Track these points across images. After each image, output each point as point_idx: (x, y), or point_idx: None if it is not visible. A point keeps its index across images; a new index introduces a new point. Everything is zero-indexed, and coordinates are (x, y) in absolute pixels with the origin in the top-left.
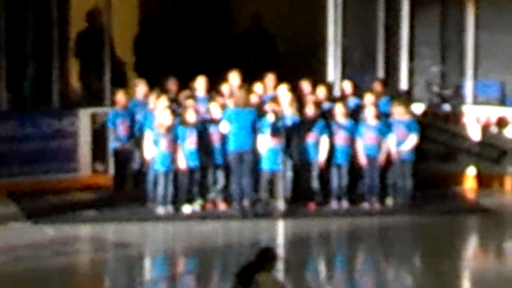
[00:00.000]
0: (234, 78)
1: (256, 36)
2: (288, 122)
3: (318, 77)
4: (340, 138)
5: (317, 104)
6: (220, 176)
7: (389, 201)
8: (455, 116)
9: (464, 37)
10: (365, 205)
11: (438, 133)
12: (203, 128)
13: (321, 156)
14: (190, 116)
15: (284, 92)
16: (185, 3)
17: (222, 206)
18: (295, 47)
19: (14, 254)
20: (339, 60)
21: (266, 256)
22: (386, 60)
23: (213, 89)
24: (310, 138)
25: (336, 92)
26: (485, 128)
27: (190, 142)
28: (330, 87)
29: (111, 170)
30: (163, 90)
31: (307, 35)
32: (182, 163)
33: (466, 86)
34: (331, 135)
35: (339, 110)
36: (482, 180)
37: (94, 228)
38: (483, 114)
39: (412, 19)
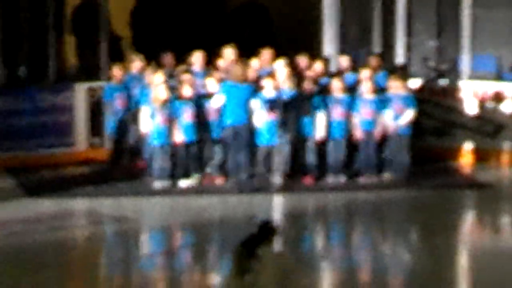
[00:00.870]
0: (229, 53)
1: (252, 10)
2: (285, 96)
3: (315, 52)
4: (338, 113)
5: (314, 79)
6: (217, 150)
7: (386, 176)
8: (452, 91)
9: (460, 12)
10: (362, 180)
11: (435, 108)
12: (200, 102)
13: (320, 132)
14: (187, 91)
15: (281, 67)
16: None
17: (219, 181)
18: (291, 22)
19: (10, 228)
20: (336, 35)
21: (267, 230)
22: (382, 35)
23: (209, 64)
24: (307, 112)
25: (333, 67)
26: (481, 103)
27: (186, 116)
28: (326, 62)
29: (107, 144)
30: (160, 65)
31: (303, 9)
32: (179, 138)
33: (462, 60)
34: (328, 110)
35: (336, 85)
36: (479, 155)
37: (90, 202)
38: (479, 89)
39: None
